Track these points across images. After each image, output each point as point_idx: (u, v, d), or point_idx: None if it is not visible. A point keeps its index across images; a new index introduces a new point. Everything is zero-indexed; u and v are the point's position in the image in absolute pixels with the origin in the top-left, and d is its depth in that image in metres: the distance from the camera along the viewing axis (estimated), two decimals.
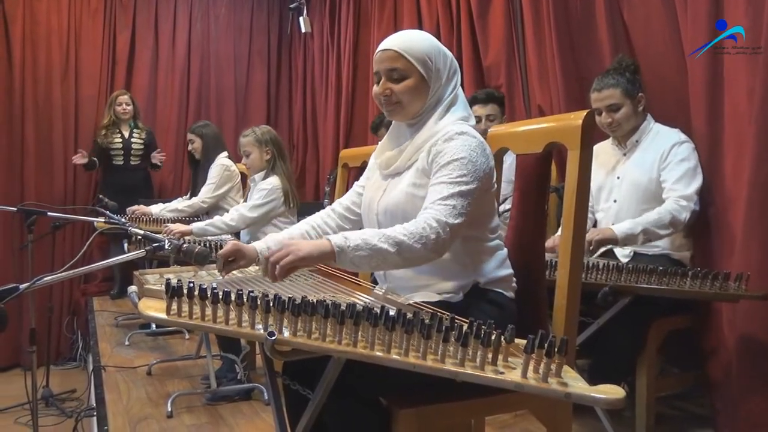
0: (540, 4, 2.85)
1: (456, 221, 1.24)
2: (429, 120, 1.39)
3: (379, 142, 1.54)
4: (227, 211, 3.53)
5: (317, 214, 1.61)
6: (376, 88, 1.41)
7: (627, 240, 2.05)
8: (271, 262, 1.19)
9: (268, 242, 1.49)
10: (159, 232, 2.92)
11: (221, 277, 1.43)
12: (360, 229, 1.57)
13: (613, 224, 2.23)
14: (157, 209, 3.54)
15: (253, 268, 1.56)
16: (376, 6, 4.39)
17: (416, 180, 1.36)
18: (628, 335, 2.00)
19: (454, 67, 1.43)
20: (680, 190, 2.09)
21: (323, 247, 1.20)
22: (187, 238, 2.76)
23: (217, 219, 2.88)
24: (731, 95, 2.00)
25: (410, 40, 1.39)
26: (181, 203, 3.61)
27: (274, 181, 2.87)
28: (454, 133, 1.33)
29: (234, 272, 1.50)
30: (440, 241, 1.23)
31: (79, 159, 4.50)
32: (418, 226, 1.23)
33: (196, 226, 2.83)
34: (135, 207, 3.51)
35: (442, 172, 1.29)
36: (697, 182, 2.10)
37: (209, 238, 2.84)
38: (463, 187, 1.27)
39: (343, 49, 4.85)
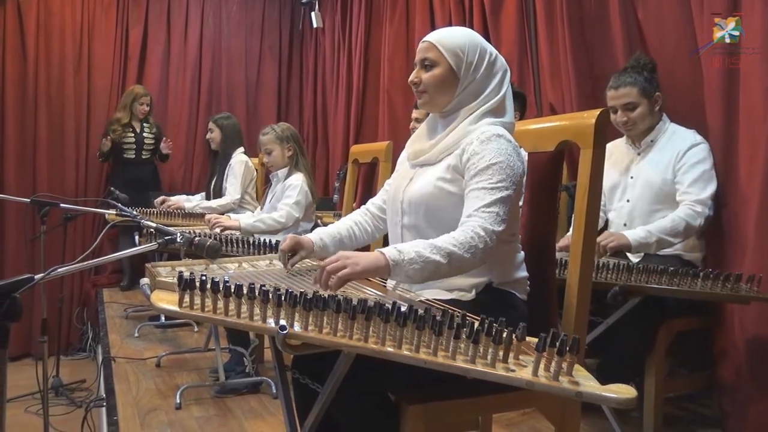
0: (553, 1, 2.84)
1: (500, 228, 1.25)
2: (466, 117, 1.39)
3: (413, 133, 1.55)
4: (243, 208, 3.59)
5: (356, 212, 1.64)
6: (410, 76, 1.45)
7: (640, 248, 2.03)
8: (327, 270, 1.18)
9: (320, 234, 1.53)
10: (189, 226, 2.94)
11: (233, 271, 1.44)
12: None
13: (624, 224, 2.23)
14: (189, 205, 3.58)
15: (263, 263, 1.57)
16: (388, 2, 4.38)
17: (446, 175, 1.36)
18: (638, 335, 1.99)
19: (498, 65, 1.42)
20: (695, 194, 2.07)
21: (378, 262, 1.19)
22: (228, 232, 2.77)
23: (265, 216, 2.85)
24: (746, 96, 1.98)
25: (448, 34, 1.41)
26: (213, 202, 3.63)
27: (301, 177, 2.88)
28: (491, 135, 1.33)
29: (245, 266, 1.52)
30: (486, 250, 1.23)
31: (106, 145, 4.54)
32: (466, 235, 1.23)
33: (245, 222, 2.78)
34: (166, 200, 3.54)
35: (481, 177, 1.29)
36: (712, 186, 2.08)
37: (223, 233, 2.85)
38: (504, 193, 1.27)
39: (354, 45, 4.85)
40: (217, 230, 2.64)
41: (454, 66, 1.38)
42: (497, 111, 1.40)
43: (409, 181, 1.45)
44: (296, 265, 1.49)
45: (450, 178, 1.36)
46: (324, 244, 1.52)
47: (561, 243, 2.08)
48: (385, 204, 1.58)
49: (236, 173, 3.62)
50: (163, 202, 3.56)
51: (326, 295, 1.04)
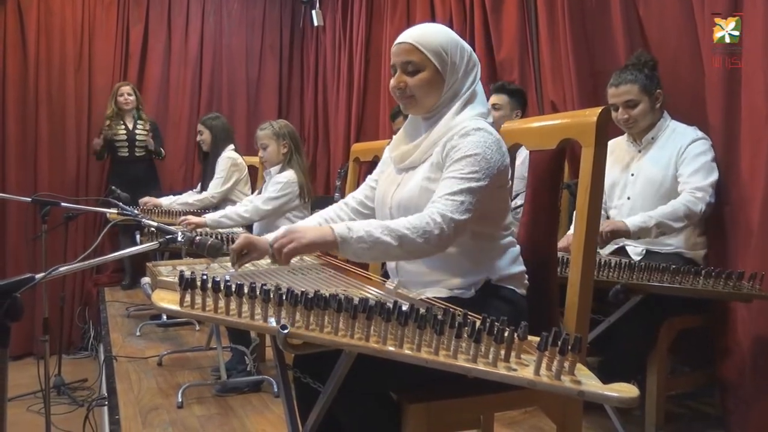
0: None
1: (462, 217, 1.24)
2: (445, 114, 1.38)
3: (394, 136, 1.54)
4: (236, 204, 3.57)
5: (330, 207, 1.61)
6: (392, 81, 1.41)
7: (640, 233, 2.01)
8: (275, 248, 1.21)
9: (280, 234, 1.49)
10: (168, 224, 2.95)
11: (234, 270, 1.44)
12: None
13: None
14: (167, 201, 3.57)
15: (265, 261, 1.57)
16: (389, 0, 4.37)
17: (431, 174, 1.36)
18: (640, 333, 1.99)
19: (473, 61, 1.42)
20: (695, 182, 2.07)
21: (326, 236, 1.21)
22: (200, 229, 2.78)
23: (230, 211, 2.89)
24: (749, 95, 1.97)
25: (426, 33, 1.38)
26: (191, 197, 3.65)
27: (289, 174, 2.88)
28: (470, 129, 1.32)
29: (246, 265, 1.51)
30: (443, 237, 1.22)
31: (98, 144, 4.52)
32: (422, 220, 1.22)
33: (210, 217, 2.84)
34: (146, 198, 3.55)
35: (454, 167, 1.29)
36: (713, 176, 2.07)
37: (222, 230, 2.85)
38: (473, 184, 1.26)
39: (355, 43, 4.84)
40: (186, 228, 2.68)
41: (439, 68, 1.36)
42: (471, 100, 1.40)
43: (397, 186, 1.43)
44: (294, 262, 1.48)
45: (434, 177, 1.35)
46: None
47: (561, 243, 2.07)
48: (367, 199, 1.57)
49: (220, 169, 3.64)
50: (146, 203, 3.54)
51: (327, 295, 1.03)
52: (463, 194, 1.25)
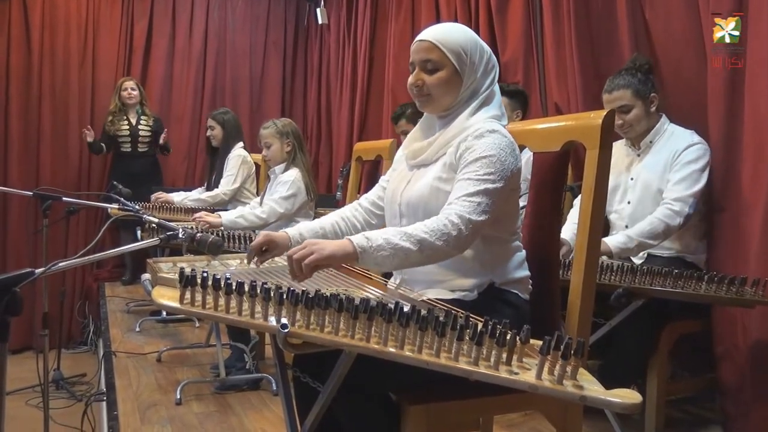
0: (560, 0, 2.82)
1: (479, 218, 1.23)
2: (461, 114, 1.38)
3: (409, 133, 1.54)
4: (242, 202, 3.57)
5: (345, 207, 1.62)
6: (410, 78, 1.41)
7: (622, 253, 2.03)
8: (294, 259, 1.18)
9: (300, 229, 1.50)
10: (179, 221, 2.94)
11: (234, 268, 1.43)
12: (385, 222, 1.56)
13: (626, 226, 2.22)
14: (178, 198, 3.56)
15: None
16: None
17: (442, 174, 1.35)
18: (640, 337, 1.98)
19: (492, 62, 1.41)
20: (676, 192, 2.07)
21: (346, 248, 1.19)
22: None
23: (247, 212, 2.86)
24: (752, 98, 1.96)
25: (447, 32, 1.38)
26: (204, 194, 3.63)
27: (295, 173, 2.88)
28: (485, 131, 1.31)
29: (247, 263, 1.51)
30: (462, 238, 1.22)
31: (88, 135, 4.48)
32: (439, 223, 1.22)
33: (226, 217, 2.81)
34: (158, 194, 3.53)
35: (470, 168, 1.28)
36: (698, 185, 2.07)
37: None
38: (489, 185, 1.26)
39: (359, 42, 4.83)
40: (200, 226, 2.66)
41: (458, 67, 1.36)
42: (488, 101, 1.40)
43: (407, 183, 1.43)
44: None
45: (446, 177, 1.34)
46: (303, 239, 1.47)
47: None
48: (380, 200, 1.57)
49: (231, 167, 3.62)
50: (158, 198, 3.54)
51: (328, 294, 1.03)
52: (479, 195, 1.24)
